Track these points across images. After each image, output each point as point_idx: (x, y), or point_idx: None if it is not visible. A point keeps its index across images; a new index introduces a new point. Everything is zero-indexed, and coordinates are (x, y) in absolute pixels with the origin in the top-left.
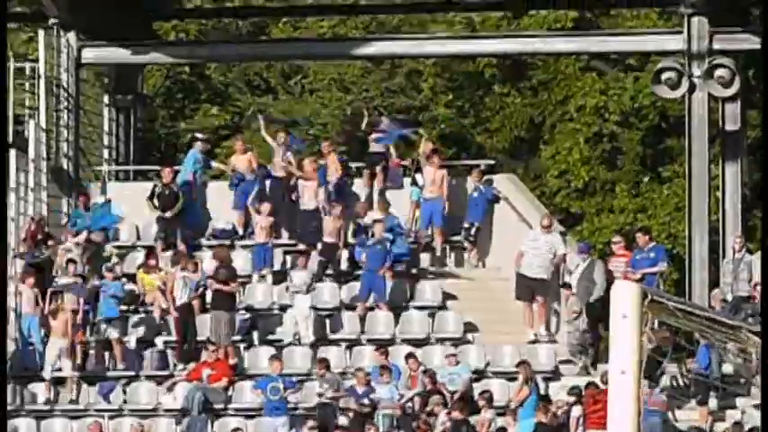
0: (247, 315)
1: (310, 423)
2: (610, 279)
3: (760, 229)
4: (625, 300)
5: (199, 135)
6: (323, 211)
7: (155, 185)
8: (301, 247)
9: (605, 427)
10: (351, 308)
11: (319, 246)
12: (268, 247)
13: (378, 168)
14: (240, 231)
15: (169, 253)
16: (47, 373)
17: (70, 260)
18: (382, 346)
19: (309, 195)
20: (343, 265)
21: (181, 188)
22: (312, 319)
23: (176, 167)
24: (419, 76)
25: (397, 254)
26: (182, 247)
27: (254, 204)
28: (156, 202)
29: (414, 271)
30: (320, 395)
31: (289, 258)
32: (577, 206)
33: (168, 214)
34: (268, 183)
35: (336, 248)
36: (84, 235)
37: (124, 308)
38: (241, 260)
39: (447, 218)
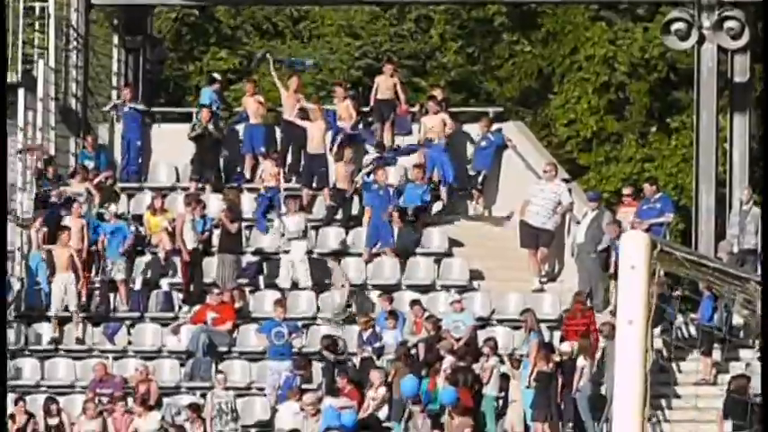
0: (254, 259)
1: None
2: (617, 229)
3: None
4: (634, 250)
5: (216, 75)
6: (333, 156)
7: (194, 124)
8: (307, 192)
9: (578, 338)
10: (357, 254)
11: (327, 190)
12: (276, 191)
13: (385, 114)
14: (248, 175)
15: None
16: (52, 311)
17: (77, 199)
18: (388, 291)
19: (318, 140)
20: (354, 210)
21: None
22: (307, 264)
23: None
24: (429, 22)
25: (409, 201)
26: (206, 186)
27: (260, 150)
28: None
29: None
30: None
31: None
32: (585, 157)
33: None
34: (278, 128)
35: (345, 193)
36: (93, 175)
37: (130, 249)
38: (248, 204)
39: (450, 165)
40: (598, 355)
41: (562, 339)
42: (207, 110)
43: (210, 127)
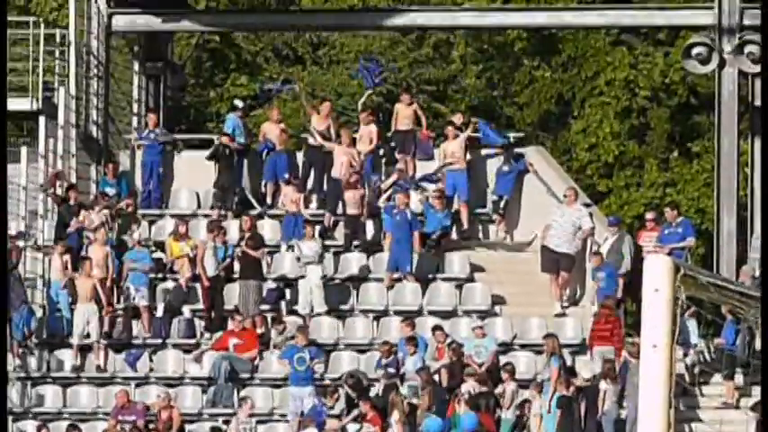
0: (275, 285)
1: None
2: (638, 253)
3: None
4: (658, 273)
5: (238, 102)
6: (347, 183)
7: (216, 147)
8: (329, 217)
9: (607, 343)
10: (378, 279)
11: (344, 217)
12: (297, 217)
13: (406, 145)
14: (269, 201)
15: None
16: (74, 339)
17: (99, 226)
18: (409, 317)
19: (344, 165)
20: (369, 236)
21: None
22: (322, 289)
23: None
24: (448, 47)
25: (429, 227)
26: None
27: (282, 177)
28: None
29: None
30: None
31: (317, 229)
32: (605, 183)
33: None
34: (299, 154)
35: (357, 219)
36: (115, 202)
37: (152, 276)
38: (270, 230)
39: (471, 190)
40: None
41: (590, 347)
42: (228, 137)
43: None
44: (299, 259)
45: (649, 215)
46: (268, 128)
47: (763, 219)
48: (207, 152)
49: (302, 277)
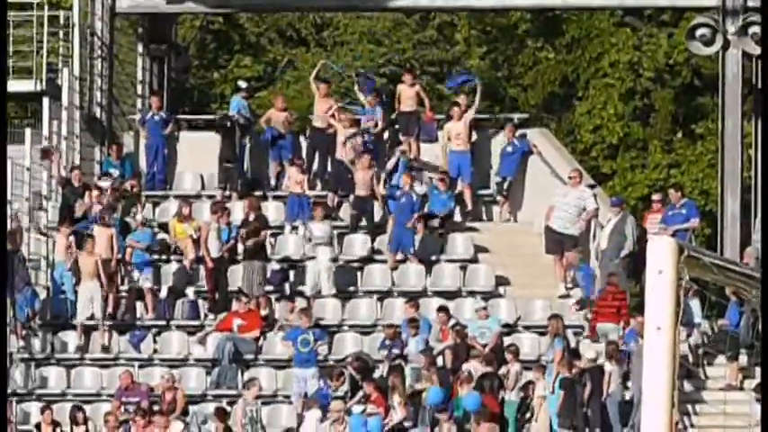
0: (279, 266)
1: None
2: (643, 235)
3: None
4: (661, 255)
5: (242, 83)
6: (354, 163)
7: (222, 117)
8: (332, 198)
9: (612, 320)
10: (382, 261)
11: (351, 198)
12: (302, 198)
13: (410, 127)
14: (273, 182)
15: (238, 200)
16: (78, 319)
17: (105, 207)
18: (413, 298)
19: (348, 146)
20: (377, 217)
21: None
22: (332, 271)
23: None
24: (451, 28)
25: (433, 209)
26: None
27: (287, 158)
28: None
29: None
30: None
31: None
32: (609, 165)
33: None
34: (303, 137)
35: (366, 200)
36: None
37: (156, 257)
38: (274, 211)
39: (474, 172)
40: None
41: (593, 321)
42: (237, 113)
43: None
44: (310, 240)
45: (655, 196)
46: (273, 115)
47: (763, 204)
48: (211, 133)
49: (311, 258)
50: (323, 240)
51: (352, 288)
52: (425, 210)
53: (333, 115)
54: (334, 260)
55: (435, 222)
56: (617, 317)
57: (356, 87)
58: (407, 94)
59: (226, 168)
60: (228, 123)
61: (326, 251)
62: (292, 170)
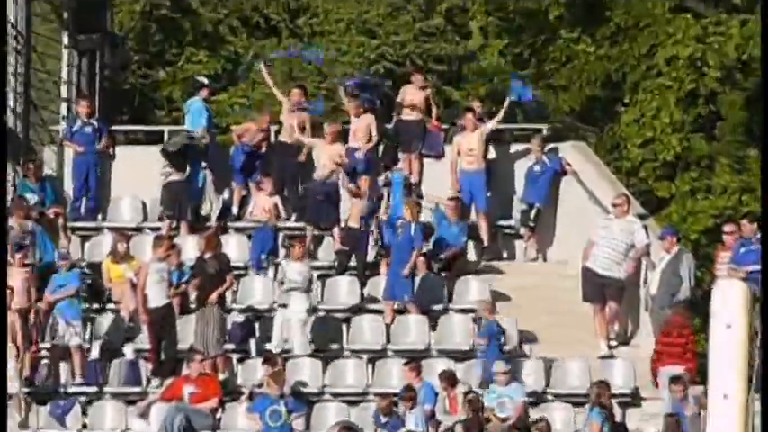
0: (242, 318)
1: None
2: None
3: None
4: (730, 304)
5: (203, 79)
6: (348, 190)
7: (167, 142)
8: (311, 232)
9: (681, 362)
10: (374, 311)
11: (338, 231)
12: (269, 230)
13: (413, 142)
14: (235, 211)
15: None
16: None
17: (19, 245)
18: (413, 359)
19: (329, 166)
20: (370, 257)
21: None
22: (309, 325)
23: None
24: (464, 15)
25: (440, 244)
26: (182, 226)
27: (254, 179)
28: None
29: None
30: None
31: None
32: (664, 188)
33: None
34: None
35: (360, 235)
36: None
37: (85, 306)
38: (236, 248)
39: (492, 197)
40: None
41: (655, 365)
42: (203, 129)
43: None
44: (282, 283)
45: (728, 227)
46: (250, 132)
47: (763, 227)
48: (155, 147)
49: (282, 306)
50: (299, 285)
51: (335, 346)
52: (429, 245)
53: (303, 128)
54: (313, 310)
55: (442, 262)
56: (682, 359)
57: (341, 92)
58: (415, 100)
59: (172, 188)
60: (184, 148)
61: (302, 299)
62: (260, 196)
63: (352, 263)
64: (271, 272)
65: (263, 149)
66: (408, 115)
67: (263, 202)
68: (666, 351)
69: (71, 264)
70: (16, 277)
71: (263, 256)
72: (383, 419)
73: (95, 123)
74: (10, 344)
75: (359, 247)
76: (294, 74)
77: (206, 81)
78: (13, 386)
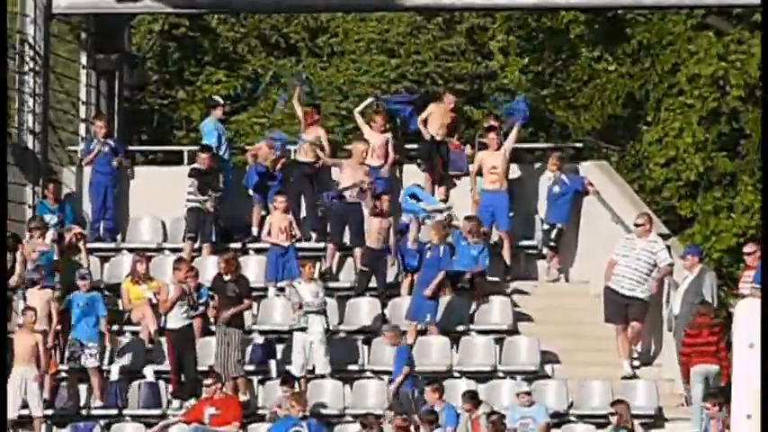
0: (262, 340)
1: None
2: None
3: None
4: (753, 324)
5: (217, 98)
6: (369, 209)
7: (193, 169)
8: (332, 250)
9: (714, 361)
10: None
11: (359, 251)
12: (285, 251)
13: (440, 154)
14: (255, 231)
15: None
16: (9, 413)
17: (38, 267)
18: (435, 380)
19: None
20: (390, 277)
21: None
22: (325, 345)
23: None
24: (484, 34)
25: (462, 264)
26: (204, 248)
27: (271, 199)
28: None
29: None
30: None
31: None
32: (687, 207)
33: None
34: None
35: (379, 254)
36: (53, 234)
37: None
38: (256, 269)
39: (515, 217)
40: None
41: (686, 365)
42: (207, 155)
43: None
44: (300, 306)
45: (748, 248)
46: (264, 150)
47: (763, 225)
48: (175, 169)
49: (301, 329)
50: (315, 307)
51: (355, 367)
52: (451, 265)
53: (322, 147)
54: (332, 331)
55: (464, 283)
56: (715, 357)
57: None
58: (443, 120)
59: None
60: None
61: (319, 321)
62: (275, 215)
63: (372, 284)
64: (288, 291)
65: (278, 168)
66: (436, 133)
67: (278, 222)
68: (698, 351)
69: (91, 285)
70: (36, 298)
71: (277, 278)
72: None
73: (112, 143)
74: (32, 366)
75: (379, 267)
76: (314, 93)
77: (220, 100)
78: (35, 409)
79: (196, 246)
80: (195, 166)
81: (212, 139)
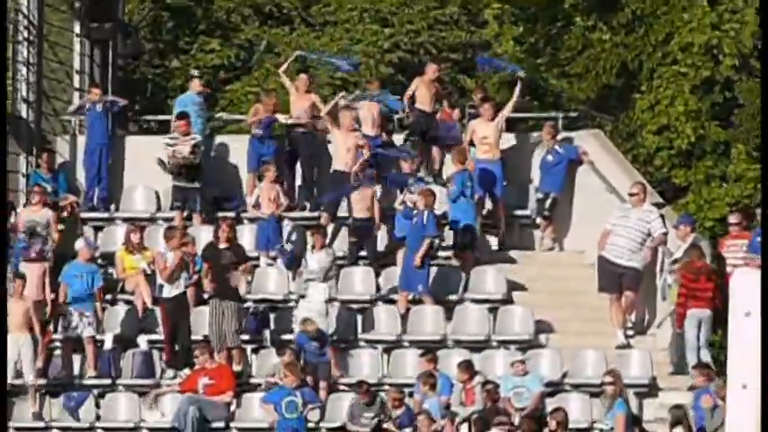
0: (256, 308)
1: None
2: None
3: None
4: (748, 293)
5: (194, 72)
6: (354, 179)
7: (169, 145)
8: (326, 219)
9: (708, 306)
10: (389, 301)
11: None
12: (273, 221)
13: (429, 134)
14: (249, 200)
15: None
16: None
17: (33, 234)
18: (429, 350)
19: (344, 154)
20: (381, 246)
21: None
22: (326, 315)
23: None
24: (478, 3)
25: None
26: (194, 217)
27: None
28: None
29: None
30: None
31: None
32: (680, 176)
33: (183, 183)
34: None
35: (367, 223)
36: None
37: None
38: (250, 238)
39: (508, 186)
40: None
41: (681, 308)
42: (185, 121)
43: (187, 152)
44: (300, 275)
45: (732, 218)
46: (258, 112)
47: (763, 221)
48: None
49: (301, 297)
50: (317, 275)
51: (350, 336)
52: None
53: (318, 114)
54: (332, 300)
55: (458, 251)
56: (710, 303)
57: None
58: (429, 91)
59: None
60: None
61: (321, 289)
62: (265, 185)
63: (364, 253)
64: (279, 262)
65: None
66: (423, 105)
67: (267, 192)
68: (695, 295)
69: (91, 256)
70: (32, 268)
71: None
72: (394, 413)
73: (108, 99)
74: (25, 334)
75: (367, 237)
76: (309, 63)
77: (195, 72)
78: (27, 378)
79: (185, 215)
80: (162, 158)
81: (198, 121)
